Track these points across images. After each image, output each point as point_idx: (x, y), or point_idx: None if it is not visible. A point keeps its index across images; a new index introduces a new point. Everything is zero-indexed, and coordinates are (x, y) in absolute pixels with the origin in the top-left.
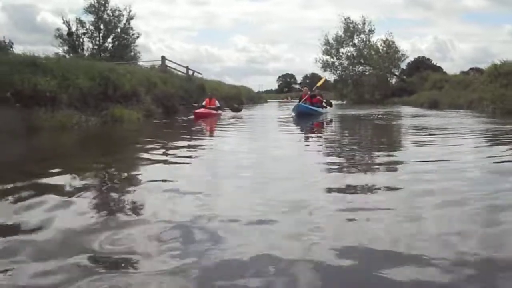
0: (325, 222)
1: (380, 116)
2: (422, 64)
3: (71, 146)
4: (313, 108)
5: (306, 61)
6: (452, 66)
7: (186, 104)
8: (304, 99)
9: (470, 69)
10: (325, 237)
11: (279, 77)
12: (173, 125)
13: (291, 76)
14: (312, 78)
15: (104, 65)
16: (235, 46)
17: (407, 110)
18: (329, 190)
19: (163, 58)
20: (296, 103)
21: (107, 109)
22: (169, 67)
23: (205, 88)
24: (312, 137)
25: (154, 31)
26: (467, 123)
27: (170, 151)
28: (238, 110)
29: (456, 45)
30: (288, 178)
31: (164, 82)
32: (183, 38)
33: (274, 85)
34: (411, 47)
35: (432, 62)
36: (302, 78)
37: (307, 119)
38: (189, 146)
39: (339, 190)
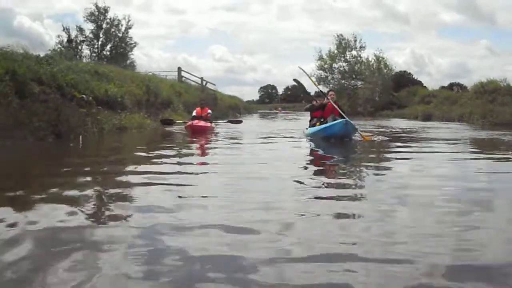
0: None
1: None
2: (403, 79)
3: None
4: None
5: (284, 72)
6: (430, 81)
7: None
8: (332, 111)
9: (453, 84)
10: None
11: (261, 87)
12: None
13: (273, 87)
14: (294, 90)
15: (144, 75)
16: (212, 56)
17: (408, 123)
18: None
19: (179, 69)
20: (325, 119)
21: (156, 114)
22: (185, 77)
23: (217, 98)
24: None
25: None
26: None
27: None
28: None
29: (434, 60)
30: None
31: (186, 91)
32: (161, 46)
33: (254, 96)
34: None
35: (413, 76)
36: (283, 90)
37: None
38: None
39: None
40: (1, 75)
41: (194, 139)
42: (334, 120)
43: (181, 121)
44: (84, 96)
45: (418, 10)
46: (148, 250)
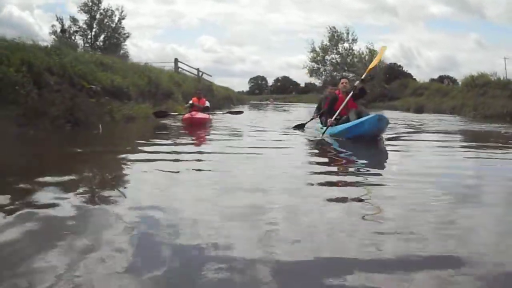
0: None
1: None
2: (393, 71)
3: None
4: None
5: (272, 63)
6: (419, 73)
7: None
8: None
9: (443, 77)
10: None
11: (251, 79)
12: None
13: (263, 78)
14: (284, 81)
15: (144, 66)
16: (202, 46)
17: (405, 114)
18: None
19: (176, 60)
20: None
21: (159, 104)
22: (181, 68)
23: (213, 89)
24: None
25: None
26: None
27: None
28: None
29: (422, 52)
30: None
31: (184, 82)
32: (150, 36)
33: (244, 87)
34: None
35: (403, 69)
36: (273, 81)
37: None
38: None
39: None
40: (18, 66)
41: (197, 132)
42: (359, 116)
43: (176, 113)
44: (92, 86)
45: (406, 2)
46: (142, 243)
